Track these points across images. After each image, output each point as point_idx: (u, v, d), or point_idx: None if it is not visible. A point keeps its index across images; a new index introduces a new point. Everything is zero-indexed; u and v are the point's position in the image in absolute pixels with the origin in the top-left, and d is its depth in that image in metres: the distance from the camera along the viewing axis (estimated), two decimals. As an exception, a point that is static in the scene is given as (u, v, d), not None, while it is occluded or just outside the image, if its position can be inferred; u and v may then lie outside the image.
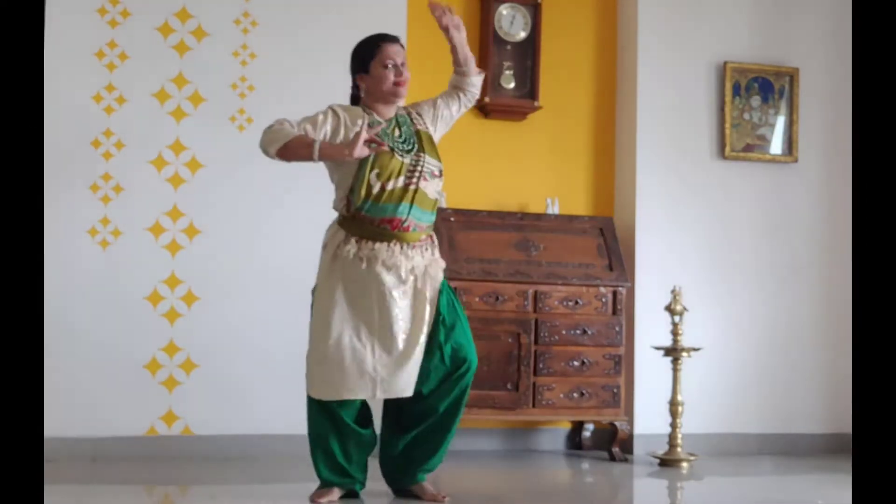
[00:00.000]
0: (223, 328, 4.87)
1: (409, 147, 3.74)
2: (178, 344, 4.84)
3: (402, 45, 3.83)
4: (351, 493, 3.82)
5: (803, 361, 5.72)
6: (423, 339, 3.69)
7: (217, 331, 4.86)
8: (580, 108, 5.77)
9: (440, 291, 3.76)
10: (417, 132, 3.80)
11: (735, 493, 4.55)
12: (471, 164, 5.49)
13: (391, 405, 3.84)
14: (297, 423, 4.79)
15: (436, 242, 3.85)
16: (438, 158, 3.80)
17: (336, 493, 3.77)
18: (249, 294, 4.91)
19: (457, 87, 3.92)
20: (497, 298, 5.09)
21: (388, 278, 3.66)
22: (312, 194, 4.95)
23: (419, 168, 3.70)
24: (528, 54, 5.59)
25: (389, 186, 3.66)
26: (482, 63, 5.55)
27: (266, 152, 3.68)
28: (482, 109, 5.57)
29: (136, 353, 4.78)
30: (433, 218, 3.81)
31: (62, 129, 4.71)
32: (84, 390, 4.69)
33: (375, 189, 3.65)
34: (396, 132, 3.76)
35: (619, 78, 5.80)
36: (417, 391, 3.71)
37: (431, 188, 3.74)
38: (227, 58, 4.97)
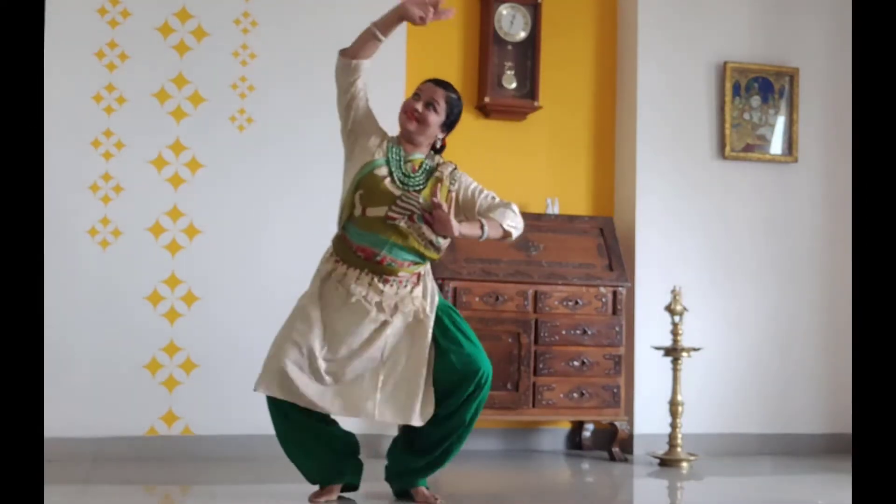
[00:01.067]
0: (223, 328, 4.87)
1: (411, 183, 3.60)
2: (178, 344, 4.84)
3: (444, 90, 3.68)
4: (350, 487, 3.80)
5: (803, 361, 5.72)
6: (401, 372, 3.59)
7: (217, 331, 4.86)
8: (580, 108, 5.77)
9: (436, 320, 3.64)
10: (434, 179, 3.64)
11: (735, 493, 4.55)
12: (471, 164, 5.45)
13: (405, 429, 3.77)
14: (297, 423, 4.80)
15: (422, 279, 3.69)
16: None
17: (335, 493, 3.76)
18: (249, 294, 4.91)
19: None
20: (497, 298, 5.09)
21: (359, 306, 3.59)
22: (312, 194, 4.97)
23: (409, 207, 3.55)
24: (528, 54, 5.59)
25: (371, 213, 3.57)
26: (482, 63, 5.56)
27: (345, 61, 3.62)
28: (482, 109, 5.57)
29: (136, 353, 4.78)
30: (421, 261, 3.65)
31: (62, 129, 4.71)
32: (84, 390, 4.69)
33: (357, 212, 3.58)
34: (410, 167, 3.64)
35: (619, 78, 5.80)
36: (435, 414, 3.62)
37: (418, 235, 3.58)
38: (227, 58, 4.97)
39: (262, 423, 4.87)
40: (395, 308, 3.62)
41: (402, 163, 3.63)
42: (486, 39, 5.53)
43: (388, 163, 3.61)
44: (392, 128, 3.73)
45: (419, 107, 3.63)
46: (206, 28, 4.96)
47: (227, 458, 4.78)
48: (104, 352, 4.73)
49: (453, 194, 3.59)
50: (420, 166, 3.66)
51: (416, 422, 3.60)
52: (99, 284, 4.75)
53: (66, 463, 4.48)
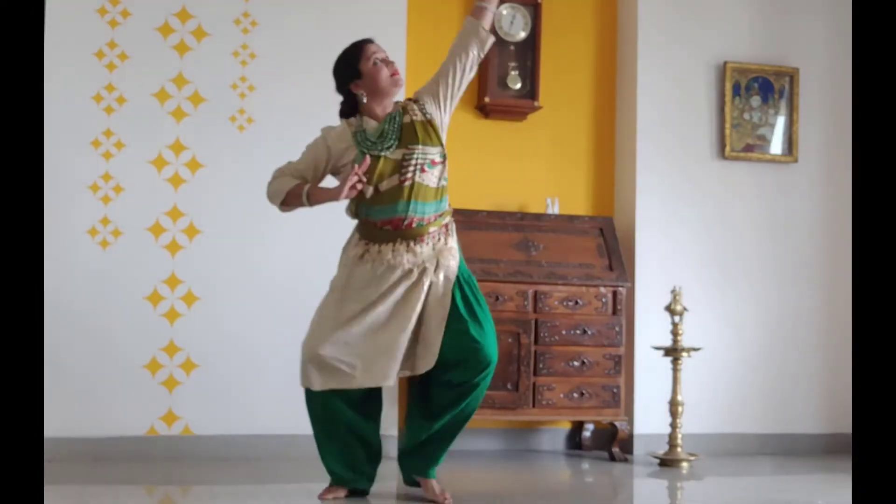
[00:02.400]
0: (223, 328, 4.87)
1: (390, 143, 3.70)
2: (178, 344, 4.84)
3: (377, 44, 3.84)
4: (358, 492, 3.84)
5: (803, 361, 5.72)
6: (435, 324, 3.68)
7: (217, 331, 4.86)
8: (580, 108, 5.77)
9: (456, 283, 3.73)
10: (404, 125, 3.73)
11: (735, 493, 4.55)
12: (471, 164, 5.49)
13: (422, 393, 3.82)
14: (297, 423, 4.80)
15: (451, 231, 3.81)
16: (436, 144, 3.73)
17: (342, 492, 3.80)
18: (249, 294, 4.91)
19: (465, 39, 3.79)
20: (497, 298, 5.09)
21: (392, 276, 3.68)
22: (312, 194, 4.97)
23: (413, 161, 3.67)
24: (528, 54, 5.59)
25: (383, 187, 3.68)
26: (482, 64, 5.54)
27: (274, 205, 3.83)
28: (482, 109, 5.57)
29: (136, 353, 4.78)
30: (441, 206, 3.76)
31: (62, 129, 4.71)
32: (84, 390, 4.69)
33: (368, 193, 3.68)
34: (378, 133, 3.74)
35: (619, 78, 5.80)
36: (447, 379, 3.70)
37: (431, 178, 3.70)
38: (227, 58, 4.97)
39: (262, 423, 4.90)
40: (437, 264, 3.71)
41: (371, 138, 3.73)
42: (486, 39, 5.52)
43: (367, 148, 3.71)
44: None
45: (394, 66, 3.80)
46: (206, 28, 4.96)
47: (227, 458, 4.78)
48: (104, 352, 4.73)
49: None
50: (388, 123, 3.75)
51: (429, 366, 3.67)
52: (99, 284, 4.75)
53: (66, 463, 4.48)
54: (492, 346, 3.71)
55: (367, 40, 3.81)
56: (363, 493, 3.85)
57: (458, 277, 3.74)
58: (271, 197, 3.80)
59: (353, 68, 3.76)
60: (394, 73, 3.75)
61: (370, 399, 3.81)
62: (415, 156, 3.68)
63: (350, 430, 3.77)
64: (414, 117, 3.74)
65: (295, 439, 4.84)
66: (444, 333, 3.66)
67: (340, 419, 3.74)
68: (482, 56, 3.82)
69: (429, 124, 3.74)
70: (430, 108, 3.77)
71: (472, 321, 3.70)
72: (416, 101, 3.80)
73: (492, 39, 3.82)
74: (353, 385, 3.67)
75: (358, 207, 3.78)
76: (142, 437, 4.76)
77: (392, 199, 3.67)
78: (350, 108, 3.82)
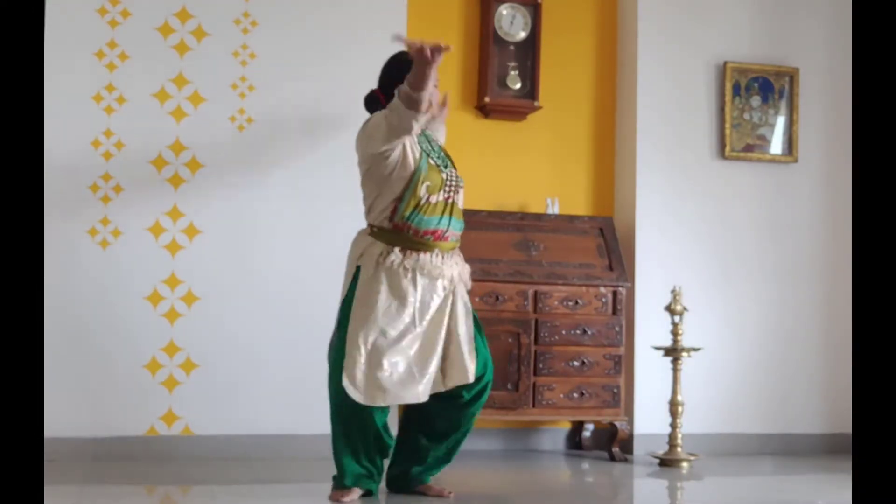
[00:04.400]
0: (223, 328, 4.87)
1: (444, 163, 3.94)
2: (178, 344, 4.84)
3: None
4: (366, 493, 3.88)
5: (803, 361, 5.72)
6: (463, 335, 3.82)
7: (217, 331, 4.86)
8: (580, 108, 5.77)
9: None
10: (442, 147, 4.06)
11: (735, 493, 4.55)
12: (471, 164, 5.48)
13: (428, 413, 3.89)
14: (297, 423, 4.81)
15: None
16: (453, 167, 4.02)
17: (356, 493, 3.83)
18: (250, 294, 4.91)
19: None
20: (497, 298, 5.09)
21: (431, 286, 3.81)
22: (313, 194, 4.97)
23: (453, 182, 3.90)
24: (528, 54, 5.59)
25: (434, 200, 3.83)
26: (482, 63, 5.56)
27: (402, 122, 3.67)
28: (482, 109, 5.57)
29: (136, 353, 4.78)
30: (463, 226, 4.00)
31: (62, 129, 4.71)
32: (84, 390, 4.69)
33: (423, 201, 3.79)
34: (438, 147, 4.02)
35: (619, 78, 5.80)
36: (458, 393, 3.84)
37: (461, 200, 3.96)
38: (227, 58, 4.97)
39: (262, 423, 4.90)
40: (460, 277, 3.91)
41: (434, 147, 3.96)
42: (487, 39, 5.53)
43: (428, 153, 3.89)
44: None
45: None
46: (206, 28, 4.96)
47: (227, 458, 4.78)
48: (104, 352, 4.73)
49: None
50: (432, 141, 4.03)
51: (472, 377, 3.82)
52: (99, 284, 4.75)
53: (66, 463, 4.48)
54: (490, 362, 3.97)
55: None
56: (370, 493, 3.88)
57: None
58: (400, 122, 3.65)
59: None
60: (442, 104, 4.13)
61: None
62: (453, 178, 3.92)
63: (377, 436, 3.82)
64: (442, 143, 4.09)
65: (295, 439, 4.85)
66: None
67: (370, 426, 3.78)
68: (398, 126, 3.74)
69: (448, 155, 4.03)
70: (441, 138, 4.19)
71: (480, 336, 3.93)
72: (434, 130, 4.12)
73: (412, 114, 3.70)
74: (396, 402, 3.78)
75: (396, 213, 3.79)
76: (142, 437, 4.76)
77: (439, 211, 3.84)
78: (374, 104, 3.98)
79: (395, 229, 3.80)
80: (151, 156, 4.87)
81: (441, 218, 3.83)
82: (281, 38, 5.03)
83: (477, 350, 3.87)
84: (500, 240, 5.24)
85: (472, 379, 3.81)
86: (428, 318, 3.79)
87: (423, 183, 3.77)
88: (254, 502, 3.82)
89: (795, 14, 5.83)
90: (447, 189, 3.85)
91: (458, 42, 5.57)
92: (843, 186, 5.78)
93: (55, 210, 4.61)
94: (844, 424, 5.68)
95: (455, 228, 3.91)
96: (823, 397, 5.73)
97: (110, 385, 4.73)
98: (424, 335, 3.79)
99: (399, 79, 3.73)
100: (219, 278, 4.89)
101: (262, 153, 4.97)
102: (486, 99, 5.50)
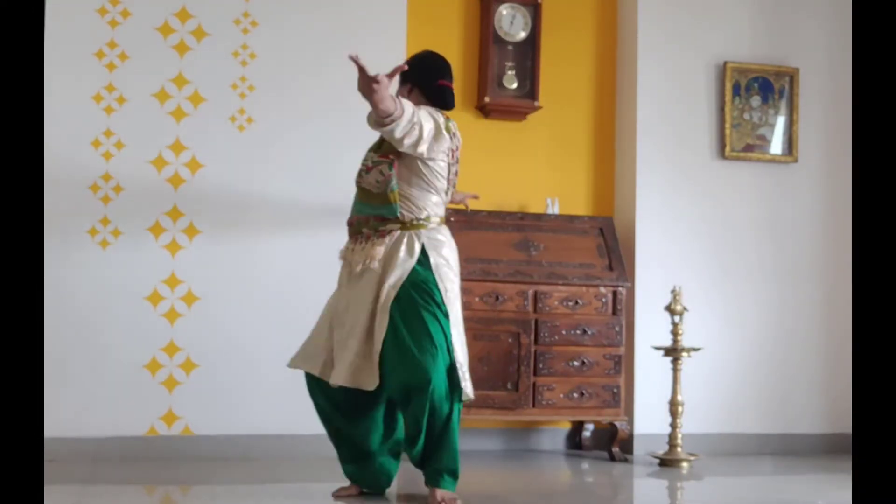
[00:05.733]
0: (223, 328, 4.87)
1: (377, 146, 3.83)
2: (178, 344, 4.84)
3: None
4: (376, 492, 3.89)
5: (803, 361, 5.72)
6: (359, 331, 3.66)
7: (217, 331, 4.86)
8: (580, 108, 5.77)
9: (396, 296, 3.65)
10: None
11: (735, 493, 4.55)
12: (471, 164, 5.48)
13: (391, 423, 3.90)
14: (297, 423, 4.81)
15: (411, 239, 3.72)
16: (382, 151, 3.73)
17: (354, 489, 3.85)
18: (250, 294, 4.91)
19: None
20: (497, 298, 5.09)
21: (344, 272, 3.82)
22: (313, 194, 4.97)
23: (362, 165, 3.80)
24: (528, 54, 5.59)
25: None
26: (482, 63, 5.56)
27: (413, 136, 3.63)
28: (482, 109, 5.57)
29: (136, 353, 4.78)
30: (389, 211, 3.71)
31: (62, 129, 4.71)
32: (84, 390, 4.69)
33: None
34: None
35: (619, 78, 5.80)
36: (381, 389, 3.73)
37: (370, 180, 3.73)
38: (227, 58, 4.97)
39: (262, 423, 4.90)
40: (382, 268, 3.73)
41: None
42: (486, 39, 5.53)
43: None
44: (370, 138, 3.92)
45: None
46: (206, 28, 4.96)
47: (227, 458, 4.78)
48: (104, 352, 4.73)
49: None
50: None
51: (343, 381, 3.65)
52: (99, 284, 4.75)
53: (66, 463, 4.48)
54: (401, 377, 3.64)
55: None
56: (376, 493, 3.88)
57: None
58: (391, 139, 3.61)
59: (449, 72, 3.90)
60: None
61: (349, 397, 3.76)
62: (363, 161, 3.85)
63: (338, 429, 3.84)
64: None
65: (295, 439, 4.85)
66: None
67: (324, 415, 3.85)
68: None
69: None
70: None
71: (398, 346, 3.66)
72: None
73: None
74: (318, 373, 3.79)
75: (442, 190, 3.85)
76: (142, 437, 4.76)
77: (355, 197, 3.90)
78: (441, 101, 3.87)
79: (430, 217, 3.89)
80: (151, 156, 4.87)
81: (354, 204, 3.86)
82: (281, 38, 5.03)
83: (404, 361, 3.59)
84: (500, 240, 5.24)
85: (342, 382, 3.63)
86: (342, 302, 3.77)
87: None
88: (254, 502, 3.82)
89: (795, 14, 5.83)
90: (358, 174, 3.82)
91: (458, 42, 5.57)
92: (843, 186, 5.78)
93: (55, 210, 4.61)
94: (844, 424, 5.68)
95: (360, 211, 3.78)
96: (823, 397, 5.73)
97: (110, 385, 4.73)
98: (338, 318, 3.76)
99: (429, 75, 3.85)
100: (219, 278, 4.89)
101: (262, 153, 4.97)
102: (486, 99, 5.50)
